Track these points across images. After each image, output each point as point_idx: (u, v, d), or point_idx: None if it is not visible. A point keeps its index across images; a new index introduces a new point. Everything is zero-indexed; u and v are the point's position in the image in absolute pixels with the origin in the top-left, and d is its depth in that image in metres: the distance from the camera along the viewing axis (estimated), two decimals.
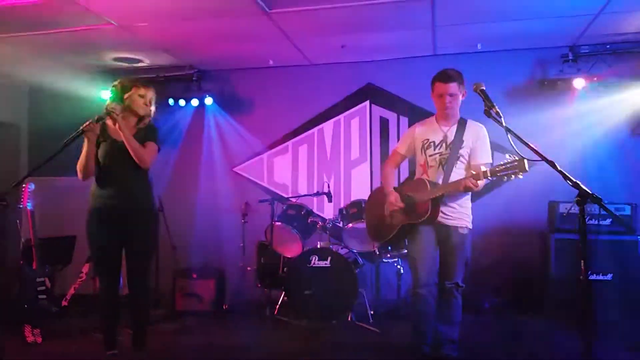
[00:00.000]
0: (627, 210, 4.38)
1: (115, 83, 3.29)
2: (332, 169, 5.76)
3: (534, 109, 5.16)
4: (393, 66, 5.60)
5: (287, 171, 5.87)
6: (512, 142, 2.38)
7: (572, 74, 4.91)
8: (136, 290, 3.16)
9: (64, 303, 4.58)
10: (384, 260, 4.68)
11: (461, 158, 3.23)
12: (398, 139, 5.59)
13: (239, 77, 5.92)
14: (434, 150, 3.28)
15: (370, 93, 5.69)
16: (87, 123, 2.95)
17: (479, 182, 2.94)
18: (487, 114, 2.49)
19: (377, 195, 3.58)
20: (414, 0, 4.07)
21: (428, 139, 3.31)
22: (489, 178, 2.90)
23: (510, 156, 2.72)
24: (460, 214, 3.25)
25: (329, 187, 4.69)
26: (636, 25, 4.57)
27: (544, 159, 2.26)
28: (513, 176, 2.75)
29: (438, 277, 3.26)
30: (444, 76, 3.20)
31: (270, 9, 4.20)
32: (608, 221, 4.40)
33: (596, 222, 4.40)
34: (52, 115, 6.05)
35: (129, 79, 3.34)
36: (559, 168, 2.23)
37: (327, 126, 5.79)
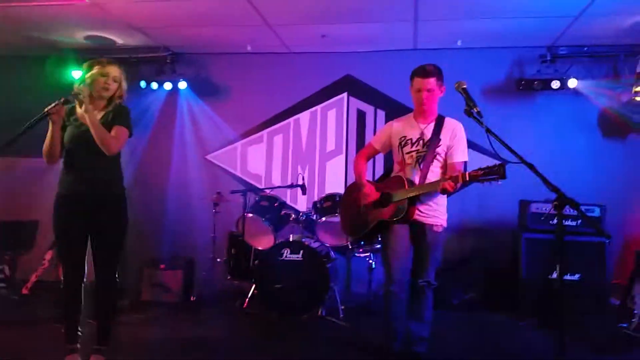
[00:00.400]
0: (597, 212, 4.43)
1: (85, 64, 3.12)
2: (307, 160, 5.68)
3: (510, 107, 5.21)
4: (373, 59, 5.53)
5: (261, 161, 5.76)
6: (491, 143, 2.34)
7: (549, 75, 4.93)
8: (103, 283, 3.02)
9: (25, 291, 4.43)
10: (355, 254, 4.65)
11: (437, 156, 3.19)
12: (374, 132, 5.55)
13: (215, 62, 5.76)
14: (411, 147, 3.23)
15: (349, 85, 5.62)
16: (52, 105, 2.79)
17: (456, 184, 2.90)
18: (468, 113, 2.45)
19: (352, 190, 3.53)
20: None
21: (405, 136, 3.26)
22: (467, 181, 2.86)
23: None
24: (435, 212, 3.22)
25: (303, 179, 4.62)
26: (614, 29, 4.61)
27: (523, 161, 2.24)
28: (492, 182, 2.72)
29: (410, 274, 3.24)
30: (423, 71, 3.16)
31: None
32: (578, 222, 4.45)
33: (565, 223, 4.44)
34: (18, 94, 5.79)
35: (95, 59, 3.14)
36: (538, 171, 2.22)
37: (304, 116, 5.70)
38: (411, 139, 3.24)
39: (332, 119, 5.66)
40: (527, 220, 4.52)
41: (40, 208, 5.30)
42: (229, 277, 4.75)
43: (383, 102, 5.55)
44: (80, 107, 2.90)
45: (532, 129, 5.16)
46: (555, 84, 4.83)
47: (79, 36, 5.28)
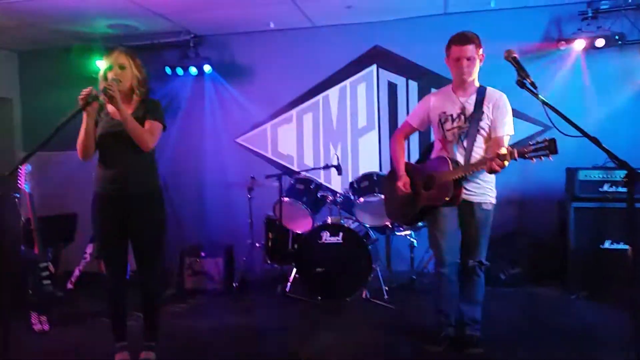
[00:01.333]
0: None
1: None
2: (338, 138, 5.54)
3: (549, 70, 4.93)
4: (401, 27, 5.29)
5: (291, 141, 5.65)
6: (548, 116, 2.17)
7: (592, 32, 4.63)
8: (147, 282, 2.99)
9: (70, 285, 4.47)
10: (396, 233, 4.54)
11: (481, 131, 3.01)
12: (407, 105, 5.39)
13: (238, 42, 5.63)
14: (452, 124, 3.06)
15: (377, 56, 5.41)
16: (85, 95, 2.65)
17: (505, 162, 2.72)
18: (521, 84, 2.27)
19: (394, 176, 3.40)
20: None
21: (445, 112, 3.08)
22: (516, 159, 2.69)
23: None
24: (484, 189, 3.06)
25: (338, 159, 4.48)
26: None
27: (585, 135, 2.07)
28: (542, 158, 2.55)
29: (460, 255, 3.12)
30: (461, 38, 2.97)
31: None
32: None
33: (615, 189, 4.23)
34: (45, 87, 5.79)
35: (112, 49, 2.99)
36: (603, 146, 2.04)
37: (333, 93, 5.54)
38: (452, 115, 3.07)
39: (362, 94, 5.48)
40: (575, 189, 4.31)
41: (78, 201, 5.36)
42: (268, 262, 4.70)
43: (415, 72, 5.33)
44: (112, 103, 2.78)
45: (574, 92, 4.89)
46: (600, 42, 4.53)
47: (102, 25, 5.21)
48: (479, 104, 3.02)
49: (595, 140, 2.03)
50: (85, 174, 5.15)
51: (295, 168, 5.53)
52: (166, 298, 4.35)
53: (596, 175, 4.27)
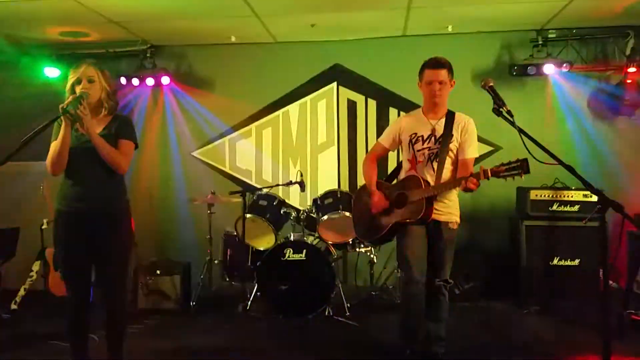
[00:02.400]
0: (595, 197, 4.42)
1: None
2: (298, 153, 5.54)
3: (501, 92, 5.14)
4: (361, 47, 5.40)
5: (250, 156, 5.59)
6: (524, 143, 2.27)
7: (542, 58, 4.90)
8: (111, 301, 2.84)
9: (13, 306, 4.19)
10: (356, 249, 4.57)
11: (450, 153, 3.12)
12: (366, 122, 5.48)
13: (198, 54, 5.54)
14: (422, 144, 3.15)
15: (338, 74, 5.48)
16: (70, 100, 2.53)
17: (479, 181, 2.84)
18: (497, 112, 2.37)
19: (364, 194, 3.43)
20: None
21: (416, 133, 3.17)
22: (489, 178, 2.80)
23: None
24: (450, 209, 3.16)
25: (301, 175, 4.47)
26: (604, 11, 4.58)
27: (561, 163, 2.18)
28: (514, 177, 2.67)
29: (427, 271, 3.17)
30: (434, 63, 3.07)
31: None
32: (576, 207, 4.47)
33: (566, 209, 4.47)
34: None
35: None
36: (577, 174, 2.16)
37: (293, 108, 5.54)
38: (422, 136, 3.16)
39: (322, 110, 5.52)
40: (526, 207, 4.51)
41: (20, 215, 5.07)
42: (227, 280, 4.60)
43: (374, 91, 5.44)
44: (80, 124, 2.64)
45: (522, 114, 5.11)
46: (549, 68, 4.80)
47: (53, 32, 4.98)
48: (449, 126, 3.13)
49: (570, 168, 2.14)
50: (28, 187, 4.95)
51: (253, 183, 5.49)
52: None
53: (546, 195, 4.49)
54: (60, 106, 2.54)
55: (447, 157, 3.11)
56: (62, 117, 2.56)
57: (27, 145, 2.41)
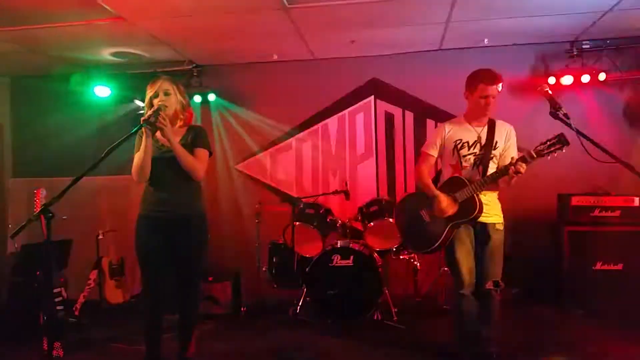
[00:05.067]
0: (636, 202, 4.52)
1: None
2: (337, 165, 5.71)
3: (537, 103, 5.25)
4: (397, 61, 5.56)
5: (291, 168, 5.77)
6: (582, 144, 2.39)
7: (577, 68, 5.01)
8: (188, 299, 3.06)
9: (75, 312, 4.39)
10: (400, 257, 4.68)
11: (494, 158, 3.24)
12: (404, 134, 5.61)
13: (240, 72, 5.76)
14: (468, 150, 3.27)
15: (375, 88, 5.65)
16: (150, 113, 2.75)
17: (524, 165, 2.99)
18: (554, 115, 2.51)
19: (410, 201, 3.53)
20: None
21: (461, 139, 3.29)
22: (535, 158, 2.97)
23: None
24: (495, 210, 3.28)
25: (346, 185, 4.63)
26: (637, 21, 4.69)
27: (618, 160, 2.30)
28: (557, 152, 2.88)
29: (476, 276, 3.26)
30: (491, 78, 3.17)
31: (289, 4, 4.09)
32: (617, 212, 4.54)
33: (607, 214, 4.54)
34: (37, 112, 5.75)
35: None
36: (635, 169, 2.26)
37: (332, 122, 5.72)
38: (467, 142, 3.28)
39: (360, 123, 5.69)
40: (568, 213, 4.59)
41: (73, 227, 5.28)
42: (275, 286, 4.75)
43: (410, 103, 5.59)
44: (162, 134, 2.85)
45: (559, 124, 5.23)
46: (586, 78, 4.90)
47: (105, 53, 5.26)
48: (492, 134, 3.26)
49: (627, 165, 2.25)
50: (82, 201, 5.18)
51: (294, 195, 5.64)
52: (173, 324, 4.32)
53: (587, 200, 4.57)
54: (142, 118, 2.75)
55: (491, 162, 3.23)
56: (143, 129, 2.77)
57: (109, 155, 2.62)
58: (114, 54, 5.30)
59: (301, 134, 5.76)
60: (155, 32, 4.70)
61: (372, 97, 5.67)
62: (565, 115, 2.45)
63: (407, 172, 5.56)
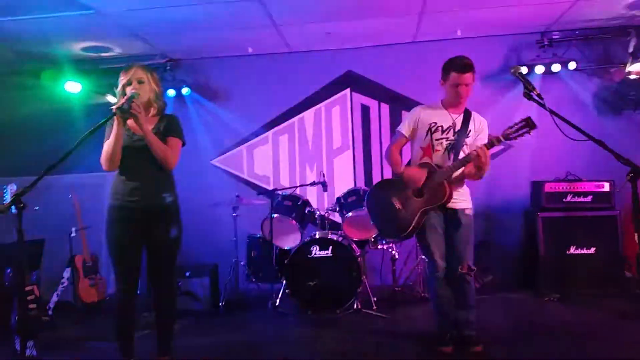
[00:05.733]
0: (607, 187, 4.63)
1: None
2: (314, 158, 5.70)
3: (510, 92, 5.35)
4: (372, 53, 5.60)
5: (267, 162, 5.75)
6: (556, 124, 2.43)
7: (548, 58, 5.11)
8: (163, 294, 2.98)
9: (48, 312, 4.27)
10: (378, 247, 4.69)
11: (465, 147, 3.26)
12: (380, 126, 5.64)
13: (215, 66, 5.73)
14: (441, 134, 3.28)
15: (351, 81, 5.67)
16: (123, 101, 2.68)
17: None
18: (528, 96, 2.53)
19: (382, 189, 3.54)
20: None
21: (436, 122, 3.29)
22: (503, 141, 3.03)
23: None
24: (464, 196, 3.32)
25: (323, 176, 4.63)
26: (605, 12, 4.81)
27: (591, 138, 2.35)
28: (525, 135, 2.93)
29: (448, 261, 3.28)
30: (461, 66, 3.17)
31: None
32: (589, 197, 4.64)
33: (580, 200, 4.64)
34: (12, 110, 5.58)
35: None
36: (608, 147, 2.32)
37: (308, 115, 5.72)
38: (442, 126, 3.28)
39: (336, 116, 5.70)
40: (541, 200, 4.67)
41: (49, 226, 5.16)
42: (253, 280, 4.71)
43: (386, 96, 5.62)
44: (135, 121, 2.79)
45: (531, 112, 5.32)
46: (556, 67, 5.01)
47: (76, 47, 5.15)
48: (467, 122, 3.29)
49: (600, 143, 2.31)
50: (54, 200, 5.06)
51: (271, 189, 5.60)
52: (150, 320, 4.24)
53: (560, 187, 4.66)
54: (115, 106, 2.69)
55: (462, 151, 3.25)
56: (115, 117, 2.70)
57: (81, 146, 2.54)
58: (85, 49, 5.20)
59: (277, 128, 5.74)
60: (127, 24, 4.61)
61: (348, 89, 5.68)
62: (538, 95, 2.48)
63: (383, 165, 5.59)
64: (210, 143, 5.72)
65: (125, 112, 2.70)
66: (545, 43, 5.18)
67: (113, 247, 2.89)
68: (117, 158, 2.80)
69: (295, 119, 5.72)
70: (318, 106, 5.70)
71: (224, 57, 5.65)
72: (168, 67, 5.50)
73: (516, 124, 2.96)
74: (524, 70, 5.15)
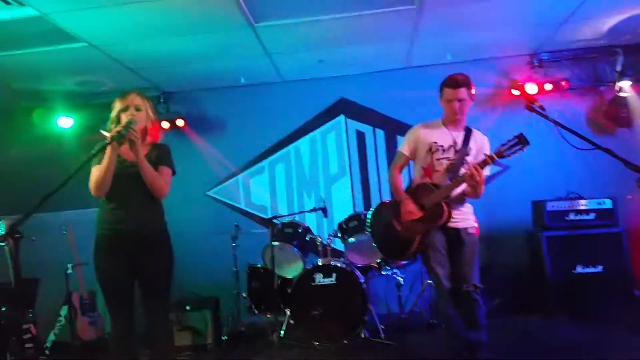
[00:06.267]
0: (609, 204, 4.61)
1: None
2: (311, 185, 5.65)
3: (504, 113, 5.38)
4: (365, 80, 5.63)
5: (265, 191, 5.69)
6: (561, 134, 2.42)
7: (540, 78, 5.18)
8: (157, 329, 2.83)
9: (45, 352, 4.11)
10: (382, 272, 4.60)
11: (466, 165, 3.22)
12: (376, 151, 5.63)
13: (208, 97, 5.73)
14: (442, 154, 3.25)
15: (344, 107, 5.69)
16: (120, 127, 2.63)
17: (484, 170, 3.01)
18: (530, 108, 2.53)
19: (382, 211, 3.50)
20: (399, 12, 4.11)
21: (436, 142, 3.26)
22: (497, 160, 2.98)
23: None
24: (467, 215, 3.27)
25: (323, 202, 4.57)
26: (593, 32, 4.89)
27: (598, 147, 2.33)
28: (518, 152, 2.90)
29: (454, 282, 3.20)
30: (453, 82, 3.21)
31: (256, 22, 4.09)
32: (592, 215, 4.61)
33: (580, 217, 4.61)
34: (2, 148, 5.51)
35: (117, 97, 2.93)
36: (616, 155, 2.30)
37: (303, 143, 5.70)
38: (442, 146, 3.25)
39: (332, 142, 5.68)
40: (544, 219, 4.63)
41: (44, 265, 5.01)
42: (255, 312, 4.58)
43: (380, 121, 5.63)
44: (129, 145, 2.72)
45: (529, 132, 5.35)
46: (548, 86, 5.06)
47: (68, 82, 5.12)
48: (467, 140, 3.27)
49: (607, 150, 2.28)
50: (48, 238, 4.93)
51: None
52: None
53: (562, 205, 4.64)
54: (114, 131, 2.63)
55: (463, 169, 3.20)
56: (111, 144, 2.64)
57: (79, 171, 2.48)
58: (78, 83, 5.17)
59: (273, 157, 5.70)
60: (120, 57, 4.60)
61: (342, 116, 5.69)
62: (541, 107, 2.48)
63: (381, 190, 5.56)
64: (205, 174, 5.66)
65: (122, 138, 2.64)
66: (536, 64, 5.25)
67: (103, 279, 2.77)
68: (107, 185, 2.71)
69: (290, 147, 5.70)
70: (313, 133, 5.69)
71: (217, 88, 5.65)
72: (162, 100, 5.48)
73: (509, 141, 2.94)
74: (515, 92, 5.24)
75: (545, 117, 2.46)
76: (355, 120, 5.68)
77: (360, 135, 5.67)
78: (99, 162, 2.71)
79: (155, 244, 2.83)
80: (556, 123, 2.43)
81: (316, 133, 5.69)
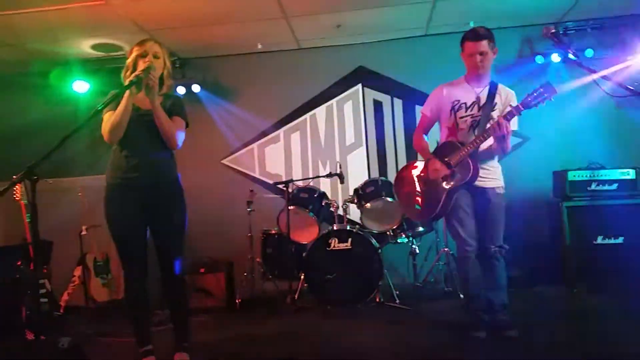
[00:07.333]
0: (632, 175, 4.49)
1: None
2: (327, 155, 5.59)
3: (526, 83, 5.23)
4: (383, 48, 5.52)
5: (279, 160, 5.63)
6: (596, 82, 2.32)
7: (564, 46, 5.01)
8: (172, 275, 2.79)
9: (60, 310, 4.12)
10: (397, 240, 4.54)
11: (491, 121, 3.14)
12: (393, 121, 5.53)
13: (224, 64, 5.66)
14: (465, 112, 3.17)
15: (362, 76, 5.58)
16: (140, 71, 2.58)
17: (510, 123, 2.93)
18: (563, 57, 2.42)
19: (407, 172, 3.44)
20: None
21: (459, 100, 3.19)
22: (522, 110, 2.89)
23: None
24: (494, 174, 3.20)
25: (340, 167, 4.50)
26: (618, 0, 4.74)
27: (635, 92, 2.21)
28: (545, 101, 2.82)
29: (478, 241, 3.16)
30: (474, 34, 3.11)
31: None
32: (614, 186, 4.50)
33: (604, 188, 4.50)
34: (22, 112, 5.49)
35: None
36: None
37: (320, 111, 5.62)
38: (465, 103, 3.18)
39: (349, 112, 5.59)
40: (565, 189, 4.53)
41: (59, 228, 5.02)
42: (270, 277, 4.55)
43: (399, 91, 5.52)
44: (145, 92, 2.67)
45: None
46: (572, 57, 4.90)
47: (85, 45, 5.08)
48: (492, 95, 3.17)
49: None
50: (56, 202, 4.92)
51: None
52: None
53: (584, 175, 4.52)
54: (134, 75, 2.59)
55: (489, 125, 3.13)
56: (130, 88, 2.59)
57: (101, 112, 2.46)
58: (94, 47, 5.13)
59: (289, 125, 5.63)
60: (136, 19, 4.55)
61: (360, 85, 5.59)
62: (574, 54, 2.37)
63: (398, 160, 5.47)
64: (220, 142, 5.61)
65: (140, 82, 2.59)
66: (561, 33, 5.09)
67: (115, 227, 2.73)
68: (122, 131, 2.67)
69: (307, 116, 5.62)
70: (330, 102, 5.60)
71: (233, 55, 5.58)
72: (177, 65, 5.41)
73: (535, 90, 2.85)
74: (539, 60, 5.11)
75: (579, 64, 2.35)
76: (373, 89, 5.58)
77: (378, 105, 5.57)
78: (114, 109, 2.67)
79: (169, 195, 2.80)
80: (589, 70, 2.32)
81: (333, 102, 5.61)
